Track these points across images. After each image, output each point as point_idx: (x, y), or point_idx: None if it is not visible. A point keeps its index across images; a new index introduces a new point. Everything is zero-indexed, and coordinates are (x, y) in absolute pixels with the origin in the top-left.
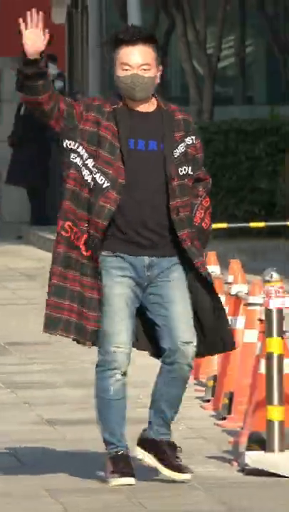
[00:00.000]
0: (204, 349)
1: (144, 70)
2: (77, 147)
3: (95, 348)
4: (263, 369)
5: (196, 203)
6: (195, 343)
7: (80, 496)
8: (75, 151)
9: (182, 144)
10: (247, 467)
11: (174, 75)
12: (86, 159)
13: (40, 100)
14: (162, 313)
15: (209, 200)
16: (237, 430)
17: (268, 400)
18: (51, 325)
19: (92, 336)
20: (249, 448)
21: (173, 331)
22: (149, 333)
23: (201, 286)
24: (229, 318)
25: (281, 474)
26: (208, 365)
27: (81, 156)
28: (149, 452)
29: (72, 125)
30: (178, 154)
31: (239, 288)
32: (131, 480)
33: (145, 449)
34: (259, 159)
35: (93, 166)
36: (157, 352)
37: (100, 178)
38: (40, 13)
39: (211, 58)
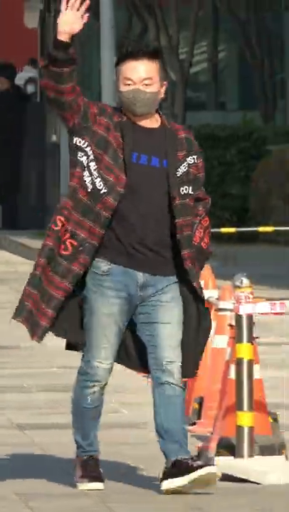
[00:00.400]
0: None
1: (146, 85)
2: (86, 146)
3: (66, 353)
4: (232, 374)
5: (195, 222)
6: (178, 363)
7: (49, 500)
8: (82, 150)
9: (184, 164)
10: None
11: None
12: (90, 161)
13: (63, 89)
14: (150, 333)
15: (208, 220)
16: (207, 435)
17: (238, 406)
18: (17, 312)
19: (44, 333)
20: (218, 453)
21: (158, 351)
22: (139, 351)
23: (197, 311)
24: None
25: (250, 480)
26: None
27: (87, 157)
28: (176, 476)
29: (86, 124)
30: (180, 173)
31: (210, 293)
32: (99, 485)
33: (175, 476)
34: (231, 165)
35: (95, 170)
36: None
37: (99, 184)
38: None
39: (184, 63)
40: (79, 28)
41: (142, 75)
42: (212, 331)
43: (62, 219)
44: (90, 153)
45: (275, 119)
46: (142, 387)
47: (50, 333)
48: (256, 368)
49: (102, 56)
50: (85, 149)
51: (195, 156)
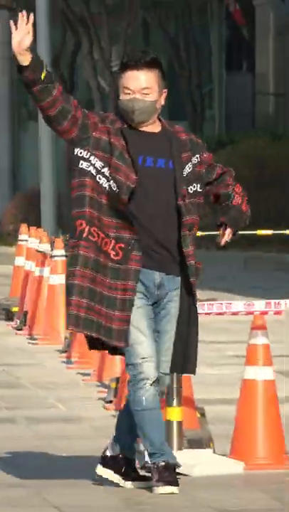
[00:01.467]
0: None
1: (145, 94)
2: (89, 156)
3: (12, 352)
4: None
5: (227, 191)
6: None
7: None
8: (86, 160)
9: (189, 164)
10: (147, 465)
11: (81, 91)
12: (102, 167)
13: (41, 106)
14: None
15: (240, 186)
16: None
17: (167, 402)
18: (84, 326)
19: (128, 336)
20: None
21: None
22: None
23: (188, 305)
24: None
25: (179, 472)
26: (111, 367)
27: (93, 165)
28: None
29: (85, 135)
30: (186, 173)
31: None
32: (174, 489)
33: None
34: None
35: (109, 174)
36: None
37: (113, 185)
38: (30, 14)
39: (115, 76)
40: (29, 42)
41: (140, 85)
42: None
43: (96, 229)
44: (94, 161)
45: (203, 129)
46: (76, 383)
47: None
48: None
49: None
50: (89, 159)
51: (198, 155)
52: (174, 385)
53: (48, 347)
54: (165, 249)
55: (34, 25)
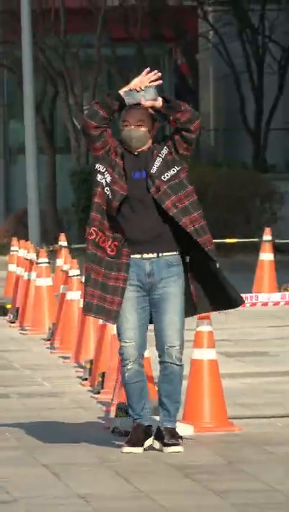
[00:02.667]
0: (214, 307)
1: (139, 125)
2: (105, 171)
3: (0, 341)
4: None
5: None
6: (178, 347)
7: None
8: (101, 173)
9: (158, 159)
10: (116, 429)
11: (59, 130)
12: (110, 182)
13: (103, 123)
14: (156, 321)
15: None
16: (108, 402)
17: None
18: (87, 308)
19: (116, 316)
20: (117, 415)
21: (161, 337)
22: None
23: (205, 259)
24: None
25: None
26: (86, 351)
27: (105, 179)
28: (156, 440)
29: (107, 155)
30: (156, 169)
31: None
32: (137, 449)
33: (155, 438)
34: None
35: (111, 186)
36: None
37: (109, 193)
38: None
39: None
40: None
41: (135, 118)
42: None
43: (96, 229)
44: (106, 175)
45: None
46: (58, 364)
47: None
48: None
49: (25, 115)
50: (103, 172)
51: (165, 146)
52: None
53: (35, 336)
54: (152, 234)
55: (20, 78)
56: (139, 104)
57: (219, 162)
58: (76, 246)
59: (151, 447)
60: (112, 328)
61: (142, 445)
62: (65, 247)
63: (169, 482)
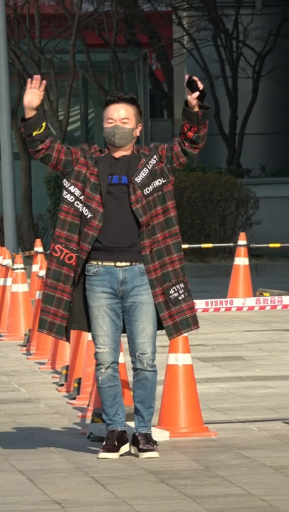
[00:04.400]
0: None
1: (124, 122)
2: (69, 186)
3: None
4: None
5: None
6: (149, 354)
7: None
8: (67, 190)
9: (144, 169)
10: (92, 435)
11: None
12: (79, 195)
13: (30, 151)
14: (128, 328)
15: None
16: (84, 407)
17: None
18: (40, 325)
19: (64, 331)
20: (93, 421)
21: (133, 344)
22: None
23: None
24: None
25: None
26: (62, 357)
27: (72, 193)
28: (132, 445)
29: (69, 169)
30: (140, 179)
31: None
32: (113, 455)
33: (132, 444)
34: None
35: (83, 201)
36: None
37: (85, 211)
38: (44, 81)
39: (62, 122)
40: (37, 103)
41: (120, 115)
42: None
43: (60, 246)
44: (74, 190)
45: None
46: (34, 370)
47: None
48: (121, 355)
49: (0, 121)
50: (69, 188)
51: (155, 156)
52: None
53: (11, 342)
54: (125, 243)
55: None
56: (119, 97)
57: (194, 167)
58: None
59: (127, 453)
60: (87, 335)
61: (117, 450)
62: (40, 252)
63: (145, 488)
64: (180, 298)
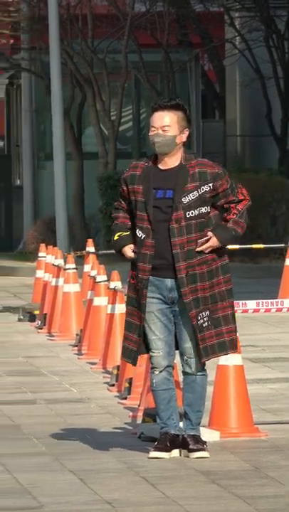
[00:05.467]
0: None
1: (164, 130)
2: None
3: (30, 346)
4: None
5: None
6: (196, 358)
7: (14, 458)
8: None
9: (194, 192)
10: (143, 435)
11: (87, 136)
12: (134, 222)
13: None
14: (177, 332)
15: (243, 211)
16: (135, 407)
17: None
18: (123, 354)
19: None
20: (144, 421)
21: (181, 348)
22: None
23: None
24: (109, 305)
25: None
26: (113, 357)
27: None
28: (182, 448)
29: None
30: (187, 200)
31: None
32: (164, 454)
33: (179, 447)
34: None
35: (135, 224)
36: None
37: (138, 233)
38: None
39: (114, 123)
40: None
41: (161, 123)
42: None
43: (134, 273)
44: (137, 223)
45: None
46: (85, 370)
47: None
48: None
49: (53, 120)
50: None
51: (210, 184)
52: None
53: (62, 342)
54: (168, 261)
55: (48, 84)
56: (163, 104)
57: (245, 168)
58: (104, 252)
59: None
60: None
61: (168, 450)
62: (92, 253)
63: (195, 488)
64: (204, 325)
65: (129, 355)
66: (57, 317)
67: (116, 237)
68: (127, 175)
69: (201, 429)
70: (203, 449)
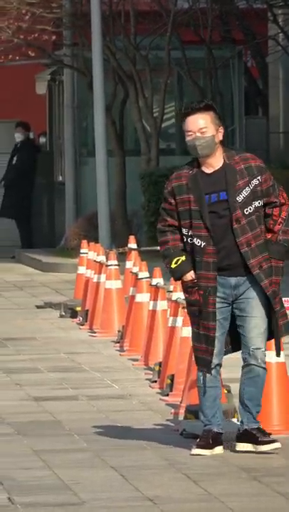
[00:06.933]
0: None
1: (203, 132)
2: (184, 231)
3: (71, 342)
4: None
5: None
6: (263, 349)
7: (56, 454)
8: (185, 235)
9: (247, 188)
10: (185, 432)
11: (129, 133)
12: (187, 232)
13: None
14: (241, 324)
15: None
16: (177, 404)
17: None
18: (198, 363)
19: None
20: (186, 417)
21: (246, 340)
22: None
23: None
24: (170, 318)
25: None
26: (155, 354)
27: (187, 235)
28: (247, 442)
29: (177, 218)
30: (241, 198)
31: (178, 295)
32: (206, 452)
33: (243, 441)
34: None
35: (190, 235)
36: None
37: (197, 241)
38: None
39: (157, 119)
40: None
41: (197, 126)
42: (180, 324)
43: (186, 286)
44: (186, 232)
45: None
46: (127, 367)
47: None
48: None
49: (95, 117)
50: (182, 231)
51: (259, 177)
52: None
53: (104, 338)
54: (233, 260)
55: (90, 81)
56: (194, 107)
57: (288, 164)
58: (146, 248)
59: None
60: (181, 331)
61: (211, 448)
62: (134, 249)
63: (237, 485)
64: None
65: (205, 364)
66: (99, 313)
67: (173, 265)
68: (172, 186)
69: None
70: (274, 440)
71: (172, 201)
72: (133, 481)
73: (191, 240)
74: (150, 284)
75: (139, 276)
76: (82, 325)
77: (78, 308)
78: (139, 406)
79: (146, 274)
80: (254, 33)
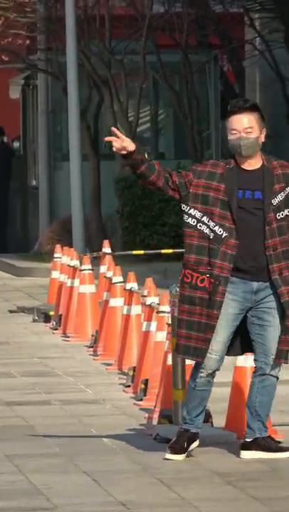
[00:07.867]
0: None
1: (248, 132)
2: (189, 209)
3: (44, 347)
4: (169, 361)
5: None
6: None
7: (29, 459)
8: (187, 213)
9: (282, 193)
10: (158, 436)
11: (104, 137)
12: (201, 217)
13: (150, 181)
14: (260, 333)
15: None
16: (151, 408)
17: (174, 385)
18: (182, 351)
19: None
20: (160, 422)
21: (267, 349)
22: (241, 342)
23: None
24: (144, 323)
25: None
26: (129, 359)
27: (193, 216)
28: (257, 450)
29: (185, 193)
30: (276, 202)
31: (152, 299)
32: (179, 457)
33: (253, 449)
34: (168, 201)
35: (209, 221)
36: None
37: (218, 230)
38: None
39: (132, 124)
40: (126, 146)
41: (244, 125)
42: (154, 329)
43: (190, 271)
44: (194, 212)
45: None
46: (101, 371)
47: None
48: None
49: (69, 121)
50: (189, 212)
51: None
52: (179, 372)
53: (78, 343)
54: (257, 263)
55: (65, 85)
56: (240, 106)
57: None
58: (120, 253)
59: (190, 455)
60: (155, 336)
61: (184, 452)
62: (108, 253)
63: (211, 489)
64: None
65: (198, 354)
66: (72, 318)
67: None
68: (204, 170)
69: (218, 430)
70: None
71: (194, 180)
72: (106, 486)
73: (201, 226)
74: (124, 289)
75: (113, 281)
76: (55, 329)
77: (51, 313)
78: (113, 411)
79: (121, 279)
80: (230, 38)
